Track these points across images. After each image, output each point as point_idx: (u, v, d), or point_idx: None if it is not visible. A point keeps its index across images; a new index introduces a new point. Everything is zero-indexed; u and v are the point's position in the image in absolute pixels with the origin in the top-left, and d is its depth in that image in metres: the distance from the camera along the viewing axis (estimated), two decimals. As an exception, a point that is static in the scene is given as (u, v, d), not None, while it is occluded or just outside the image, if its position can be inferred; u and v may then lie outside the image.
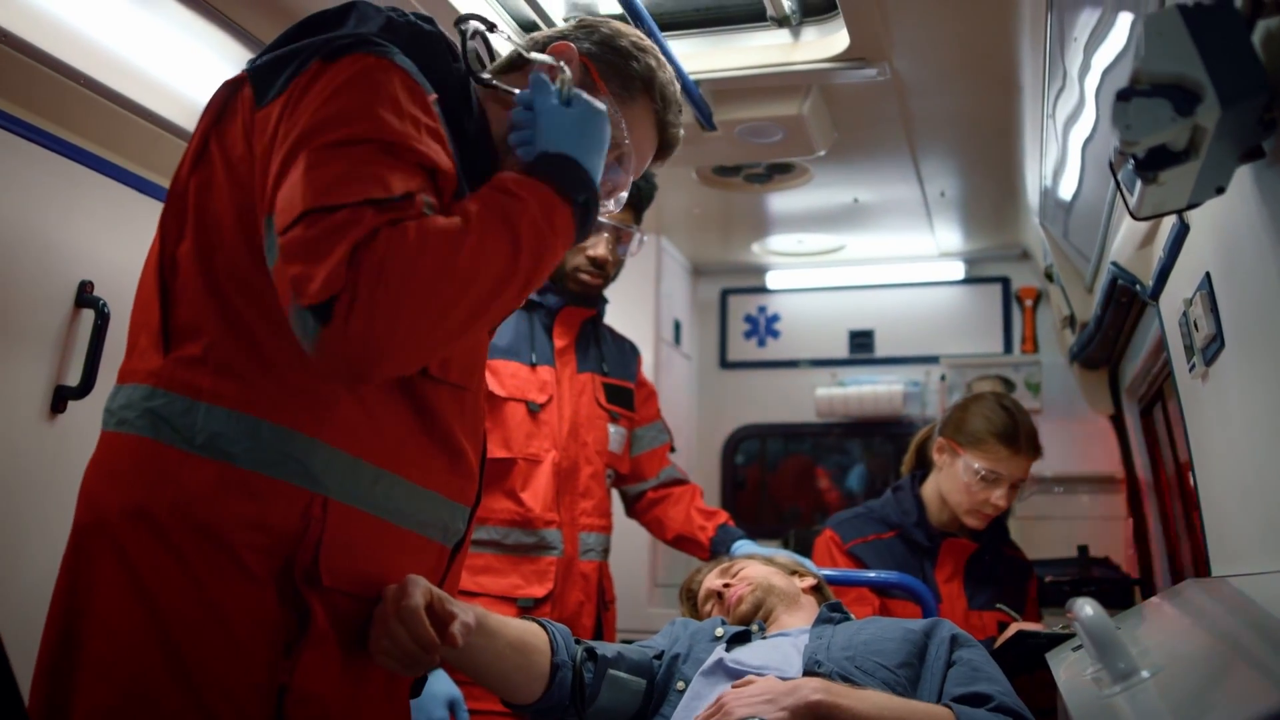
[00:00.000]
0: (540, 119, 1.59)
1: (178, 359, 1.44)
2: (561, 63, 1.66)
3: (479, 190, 1.47)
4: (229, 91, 1.53)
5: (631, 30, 1.82)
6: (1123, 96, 1.20)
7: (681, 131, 1.86)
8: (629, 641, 2.36)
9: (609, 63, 1.74)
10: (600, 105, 1.63)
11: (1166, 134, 1.22)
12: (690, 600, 2.63)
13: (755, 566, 2.54)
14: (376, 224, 1.29)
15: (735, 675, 2.04)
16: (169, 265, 1.49)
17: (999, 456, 3.04)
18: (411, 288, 1.30)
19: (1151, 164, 1.28)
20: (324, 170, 1.33)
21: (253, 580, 1.39)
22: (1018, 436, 3.06)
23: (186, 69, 2.49)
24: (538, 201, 1.47)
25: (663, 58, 1.81)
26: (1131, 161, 1.30)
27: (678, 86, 1.83)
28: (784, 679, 1.95)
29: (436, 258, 1.32)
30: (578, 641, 2.06)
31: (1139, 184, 1.38)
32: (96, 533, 1.41)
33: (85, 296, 2.29)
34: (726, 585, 2.47)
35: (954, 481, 3.12)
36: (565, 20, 2.96)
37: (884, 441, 5.22)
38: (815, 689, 1.84)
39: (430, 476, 1.59)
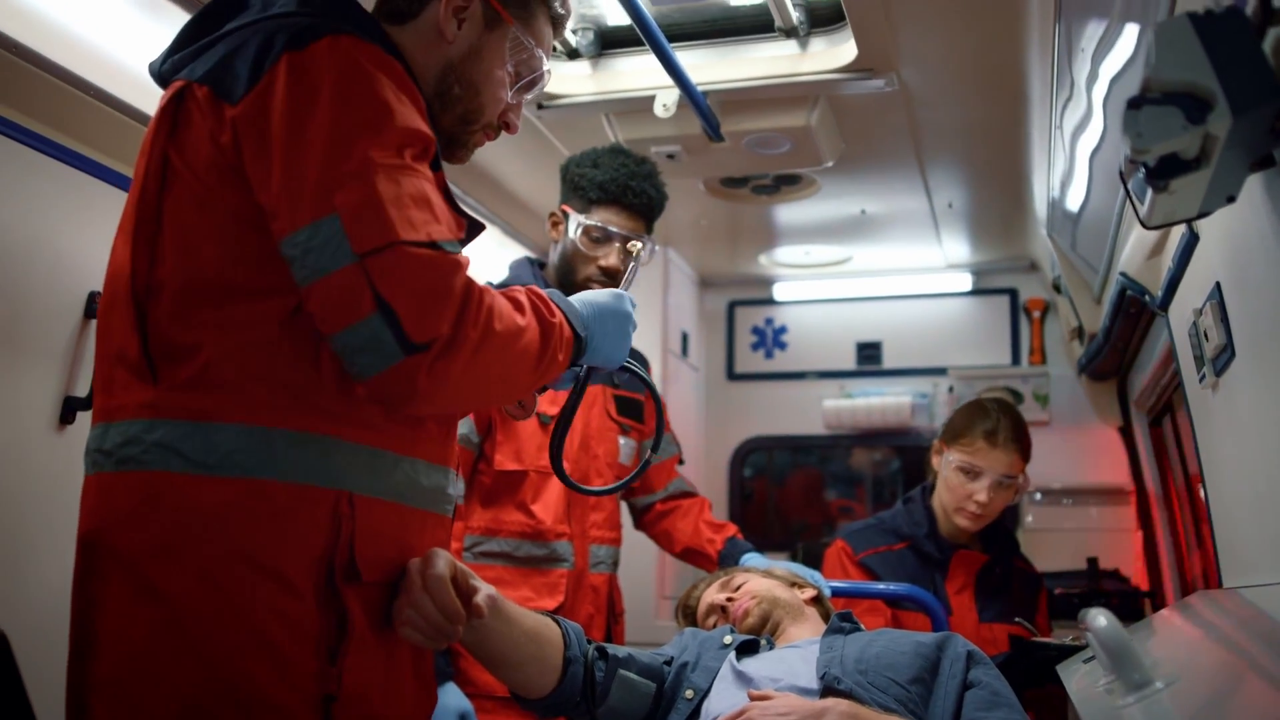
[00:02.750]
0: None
1: (172, 385, 1.41)
2: None
3: (528, 289, 1.60)
4: (175, 102, 1.50)
5: None
6: (1134, 104, 1.20)
7: (570, 5, 1.87)
8: (637, 654, 2.35)
9: None
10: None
11: (1177, 142, 1.22)
12: (689, 616, 2.60)
13: (756, 580, 2.52)
14: (468, 276, 1.41)
15: (749, 684, 2.04)
16: (144, 291, 1.45)
17: (976, 449, 3.06)
18: (496, 348, 1.44)
19: (1162, 172, 1.27)
20: (390, 191, 1.37)
21: (293, 594, 1.39)
22: (996, 430, 3.07)
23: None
24: (561, 327, 1.61)
25: None
26: (1142, 170, 1.29)
27: None
28: (796, 688, 1.94)
29: (508, 329, 1.46)
30: (589, 641, 2.06)
31: (1149, 193, 1.37)
32: (117, 577, 1.37)
33: (95, 307, 2.29)
34: (729, 599, 2.46)
35: (943, 480, 3.14)
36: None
37: (891, 453, 5.21)
38: (843, 714, 1.83)
39: (439, 451, 1.62)
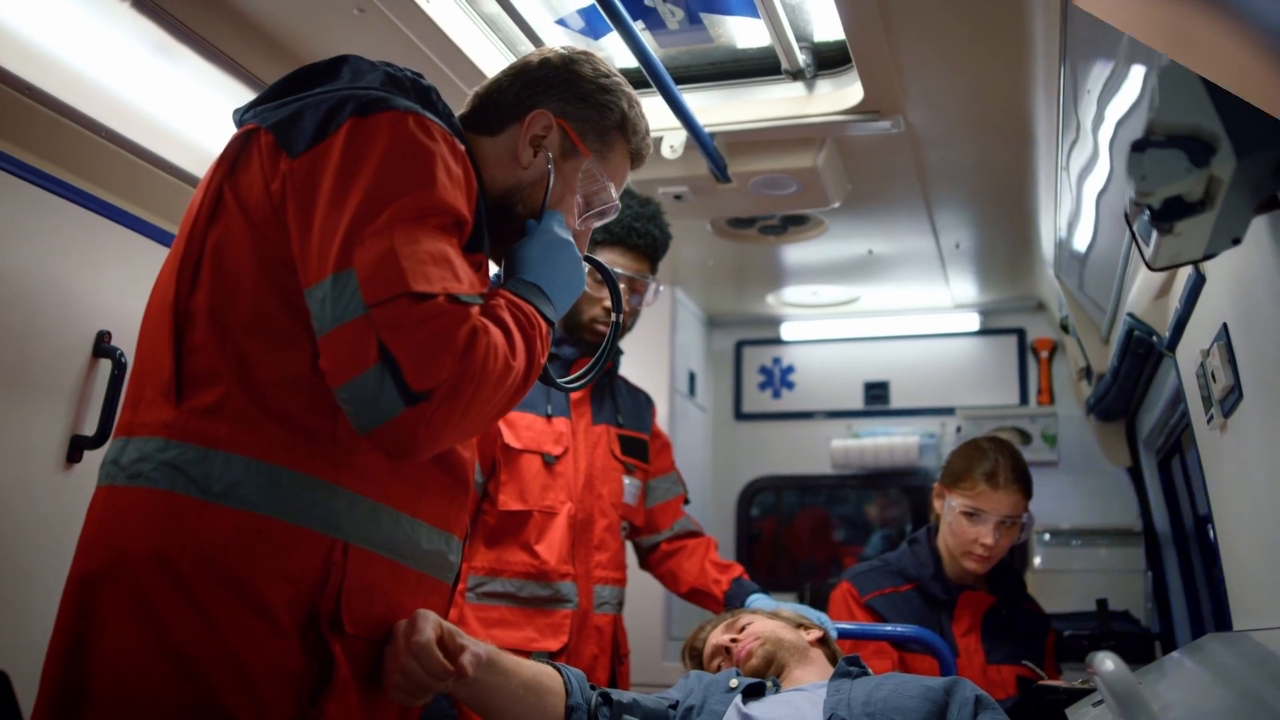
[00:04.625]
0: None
1: (192, 409, 1.43)
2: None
3: (505, 298, 1.58)
4: (241, 143, 1.55)
5: (590, 62, 1.82)
6: (1138, 148, 1.20)
7: (650, 142, 1.89)
8: (643, 695, 2.33)
9: (583, 119, 1.77)
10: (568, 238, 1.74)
11: (1182, 185, 1.22)
12: (695, 658, 2.59)
13: (761, 621, 2.51)
14: (475, 325, 1.40)
15: None
16: (183, 316, 1.49)
17: (978, 491, 3.05)
18: (490, 392, 1.43)
19: (1167, 215, 1.28)
20: (406, 248, 1.39)
21: (277, 631, 1.39)
22: (997, 471, 3.05)
23: (206, 122, 2.51)
24: (542, 332, 1.60)
25: (627, 86, 1.84)
26: (1147, 212, 1.30)
27: (641, 108, 1.86)
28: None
29: (501, 369, 1.45)
30: (593, 687, 2.04)
31: (1155, 235, 1.38)
32: (112, 582, 1.38)
33: (103, 346, 2.30)
34: (734, 640, 2.45)
35: (946, 525, 3.12)
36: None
37: (899, 493, 5.19)
38: None
39: (446, 516, 1.62)
